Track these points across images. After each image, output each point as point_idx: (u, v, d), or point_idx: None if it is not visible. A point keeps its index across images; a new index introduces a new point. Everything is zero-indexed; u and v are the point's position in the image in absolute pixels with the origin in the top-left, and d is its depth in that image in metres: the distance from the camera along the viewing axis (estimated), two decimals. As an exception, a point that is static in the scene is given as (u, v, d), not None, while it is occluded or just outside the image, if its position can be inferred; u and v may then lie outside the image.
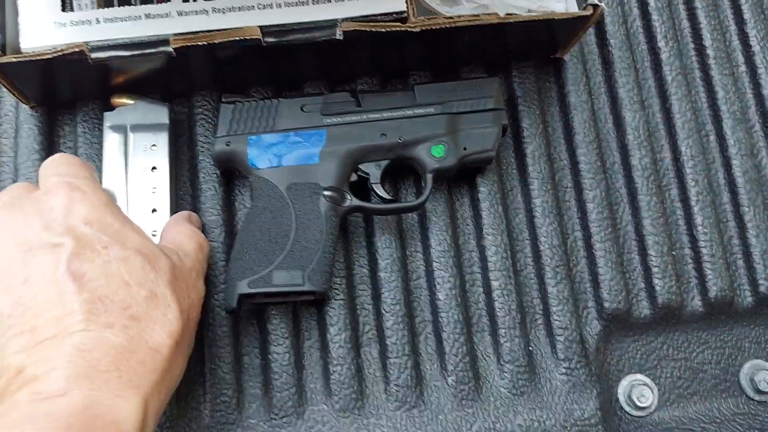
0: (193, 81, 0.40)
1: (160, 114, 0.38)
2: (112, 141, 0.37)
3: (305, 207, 0.36)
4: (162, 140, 0.37)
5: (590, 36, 0.43)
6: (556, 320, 0.39)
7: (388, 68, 0.42)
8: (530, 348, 0.39)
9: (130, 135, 0.37)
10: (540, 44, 0.41)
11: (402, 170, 0.40)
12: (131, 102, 0.38)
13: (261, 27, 0.35)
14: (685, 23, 0.45)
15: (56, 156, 0.32)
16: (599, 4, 0.36)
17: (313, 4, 0.37)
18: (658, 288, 0.40)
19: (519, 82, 0.42)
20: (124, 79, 0.39)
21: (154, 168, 0.37)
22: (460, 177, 0.40)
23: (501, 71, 0.42)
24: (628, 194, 0.42)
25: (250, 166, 0.37)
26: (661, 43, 0.43)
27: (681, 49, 0.44)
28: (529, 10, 0.39)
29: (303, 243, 0.36)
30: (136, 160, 0.37)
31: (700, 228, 0.41)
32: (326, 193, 0.37)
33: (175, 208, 0.38)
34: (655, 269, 0.40)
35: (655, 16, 0.44)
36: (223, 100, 0.38)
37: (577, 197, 0.41)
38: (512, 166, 0.41)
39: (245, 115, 0.38)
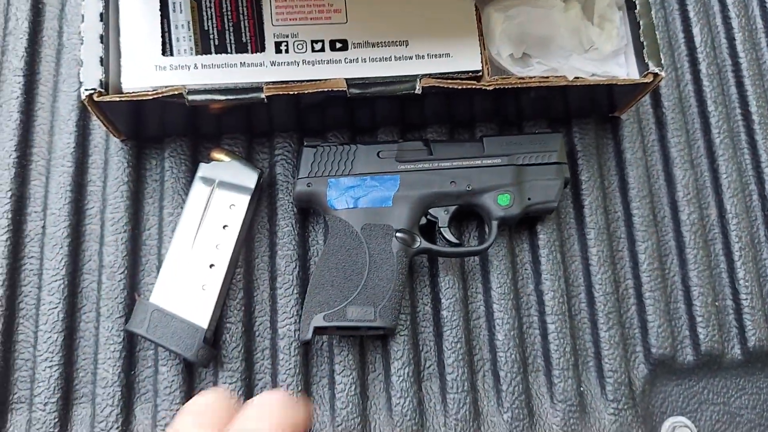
0: (275, 123, 0.43)
1: (249, 178, 0.40)
2: (198, 191, 0.39)
3: (378, 247, 0.39)
4: (242, 202, 0.39)
5: (646, 98, 0.46)
6: (607, 363, 0.41)
7: (457, 119, 0.44)
8: (582, 389, 0.41)
9: (216, 190, 0.39)
10: (600, 104, 0.44)
11: (466, 215, 0.43)
12: (227, 159, 0.40)
13: (347, 79, 0.38)
14: (733, 90, 0.48)
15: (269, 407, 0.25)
16: (660, 73, 0.39)
17: (395, 60, 0.39)
18: (701, 336, 0.42)
19: (579, 137, 0.44)
20: (210, 118, 0.41)
21: (225, 226, 0.39)
22: (521, 224, 0.43)
23: (562, 127, 0.45)
24: (677, 247, 0.44)
25: (329, 206, 0.39)
26: (711, 107, 0.46)
27: (729, 114, 0.47)
28: (594, 74, 0.41)
29: (376, 281, 0.38)
30: (212, 214, 0.39)
31: (742, 281, 0.44)
32: (398, 234, 0.39)
33: (233, 270, 0.40)
34: (699, 318, 0.43)
35: (705, 82, 0.47)
36: (306, 143, 0.41)
37: (630, 248, 0.44)
38: (570, 216, 0.44)
39: (326, 158, 0.40)
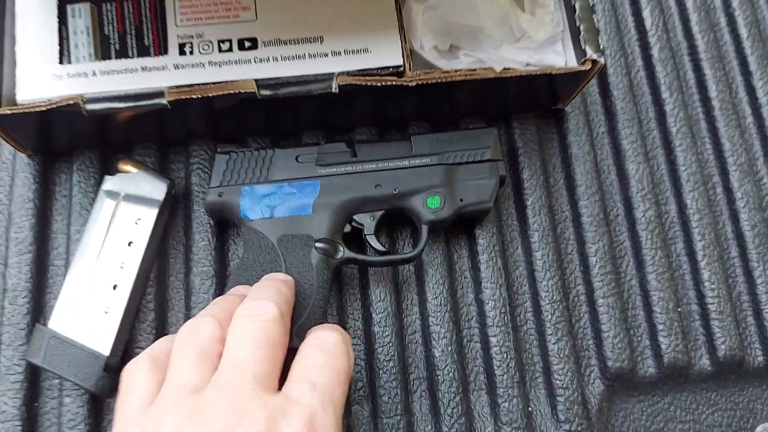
0: (190, 130, 0.40)
1: (157, 189, 0.37)
2: (102, 206, 0.36)
3: (296, 260, 0.36)
4: (149, 216, 0.36)
5: (593, 86, 0.43)
6: (557, 379, 0.37)
7: (387, 118, 0.41)
8: (529, 408, 0.37)
9: (121, 204, 0.36)
10: (541, 96, 0.41)
11: (399, 219, 0.40)
12: (134, 170, 0.37)
13: (256, 80, 0.35)
14: (690, 74, 0.44)
15: (330, 335, 0.28)
16: (598, 59, 0.36)
17: (309, 58, 0.37)
18: (663, 346, 0.38)
19: (520, 132, 0.41)
20: (120, 128, 0.39)
21: (130, 243, 0.36)
22: (458, 228, 0.39)
23: (501, 122, 0.42)
24: (632, 248, 0.40)
25: (242, 217, 0.36)
26: (665, 95, 0.43)
27: (686, 101, 0.43)
28: (528, 64, 0.38)
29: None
30: (116, 231, 0.36)
31: (707, 284, 0.40)
32: (318, 245, 0.36)
33: (141, 290, 0.37)
34: (660, 326, 0.39)
35: (659, 68, 0.43)
36: (218, 150, 0.38)
37: (579, 250, 0.40)
38: (512, 218, 0.40)
39: (239, 165, 0.37)
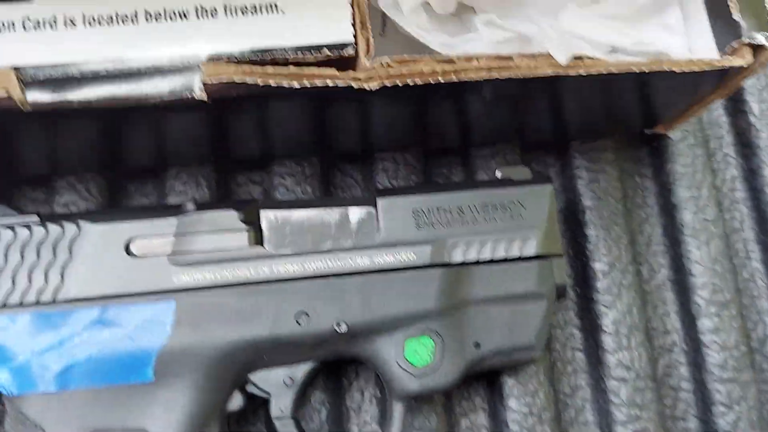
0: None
1: None
2: None
3: None
4: None
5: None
6: None
7: (334, 145, 0.24)
8: None
9: None
10: (627, 111, 0.23)
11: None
12: None
13: (17, 70, 0.16)
14: None
15: None
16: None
17: (147, 22, 0.17)
18: None
19: (588, 178, 0.25)
20: None
21: None
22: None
23: (553, 156, 0.25)
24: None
25: None
26: None
27: None
28: (614, 49, 0.19)
29: None
30: None
31: None
32: None
33: None
34: None
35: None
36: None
37: (700, 415, 0.21)
38: (575, 345, 0.24)
39: (-1, 259, 0.18)
